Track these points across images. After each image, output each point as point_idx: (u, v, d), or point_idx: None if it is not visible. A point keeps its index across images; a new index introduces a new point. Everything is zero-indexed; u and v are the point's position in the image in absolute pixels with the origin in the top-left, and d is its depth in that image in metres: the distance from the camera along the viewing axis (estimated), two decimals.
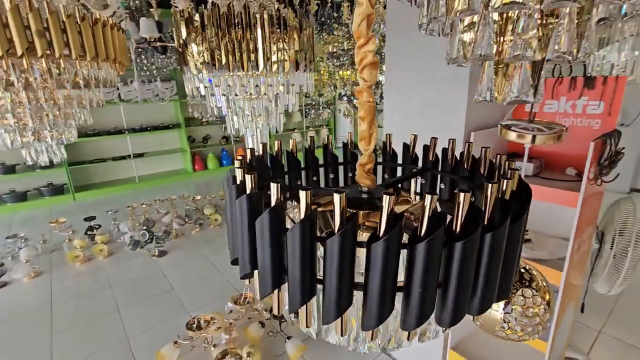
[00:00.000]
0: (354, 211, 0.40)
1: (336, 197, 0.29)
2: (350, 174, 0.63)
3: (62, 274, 3.13)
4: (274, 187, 0.32)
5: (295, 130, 7.47)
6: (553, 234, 1.59)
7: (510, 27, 0.65)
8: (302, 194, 0.30)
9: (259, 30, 1.20)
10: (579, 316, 2.29)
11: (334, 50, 3.04)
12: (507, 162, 0.40)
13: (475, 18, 0.65)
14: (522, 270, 0.75)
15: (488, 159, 0.48)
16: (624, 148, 1.33)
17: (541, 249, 1.43)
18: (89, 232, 3.71)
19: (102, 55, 0.95)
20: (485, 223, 0.31)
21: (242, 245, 0.36)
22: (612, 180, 1.29)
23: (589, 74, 1.47)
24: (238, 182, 0.38)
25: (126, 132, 5.61)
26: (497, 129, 1.48)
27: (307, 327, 0.35)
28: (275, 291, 0.36)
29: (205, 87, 1.29)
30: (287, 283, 0.33)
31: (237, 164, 0.40)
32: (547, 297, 0.73)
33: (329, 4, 3.96)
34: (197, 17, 1.21)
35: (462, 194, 0.29)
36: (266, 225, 0.32)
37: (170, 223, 3.91)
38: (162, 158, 6.17)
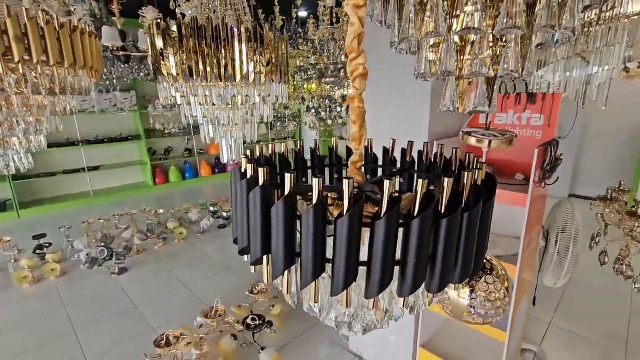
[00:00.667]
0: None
1: (345, 183, 0.34)
2: (336, 176, 0.69)
3: (8, 296, 2.86)
4: (288, 177, 0.36)
5: (261, 142, 7.47)
6: (507, 234, 1.75)
7: (468, 48, 0.76)
8: (315, 182, 0.35)
9: (236, 44, 1.25)
10: (531, 310, 2.49)
11: (302, 64, 3.14)
12: (475, 159, 0.48)
13: (439, 40, 0.75)
14: (484, 260, 0.85)
15: (459, 159, 0.56)
16: (562, 154, 1.53)
17: (497, 247, 1.57)
18: (38, 251, 3.43)
19: (80, 63, 0.95)
20: (464, 204, 0.38)
21: (254, 233, 0.40)
22: (553, 183, 1.46)
23: (530, 91, 1.68)
24: (249, 177, 0.42)
25: (80, 143, 5.29)
26: (454, 138, 1.62)
27: (315, 302, 0.39)
28: (286, 273, 0.40)
29: (182, 96, 1.30)
30: (298, 263, 0.38)
31: (244, 161, 0.45)
32: (506, 284, 0.83)
33: (294, 20, 4.09)
34: (174, 28, 1.23)
35: (446, 179, 0.36)
36: (281, 212, 0.37)
37: (131, 238, 3.72)
38: (119, 171, 5.87)
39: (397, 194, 0.36)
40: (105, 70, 3.73)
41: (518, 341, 1.91)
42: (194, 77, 1.28)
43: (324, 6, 3.28)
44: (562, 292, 2.78)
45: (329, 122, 3.17)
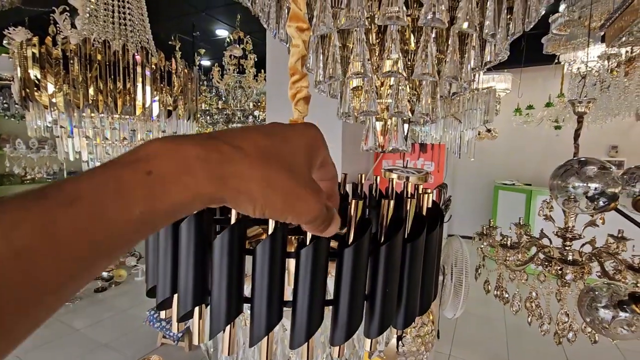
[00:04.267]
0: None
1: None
2: None
3: None
4: None
5: None
6: None
7: (387, 92, 0.82)
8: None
9: (138, 72, 1.12)
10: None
11: (207, 108, 3.04)
12: (417, 187, 0.48)
13: (362, 82, 0.80)
14: None
15: (394, 190, 0.57)
16: (451, 196, 1.75)
17: None
18: None
19: None
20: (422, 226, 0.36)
21: (185, 278, 0.31)
22: (448, 221, 1.65)
23: (421, 142, 1.93)
24: None
25: None
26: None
27: None
28: (227, 329, 0.31)
29: (61, 127, 1.07)
30: (249, 310, 0.30)
31: None
32: (432, 316, 0.85)
33: (197, 67, 4.03)
34: (58, 50, 1.05)
35: (409, 201, 0.34)
36: (227, 243, 0.29)
37: None
38: None
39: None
40: None
41: None
42: (81, 107, 1.08)
43: (230, 56, 3.33)
44: (455, 323, 3.06)
45: None
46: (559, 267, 1.43)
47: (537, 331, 1.42)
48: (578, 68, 2.45)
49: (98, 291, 3.49)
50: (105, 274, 3.65)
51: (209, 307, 0.31)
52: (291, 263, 0.30)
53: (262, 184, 0.21)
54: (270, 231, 0.29)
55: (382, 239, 0.32)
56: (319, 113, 1.49)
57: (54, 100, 1.08)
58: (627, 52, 2.03)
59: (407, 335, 0.81)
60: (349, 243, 0.30)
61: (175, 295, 0.32)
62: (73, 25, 1.79)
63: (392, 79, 0.72)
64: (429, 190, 0.44)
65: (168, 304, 0.34)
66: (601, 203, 1.04)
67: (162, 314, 0.36)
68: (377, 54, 0.76)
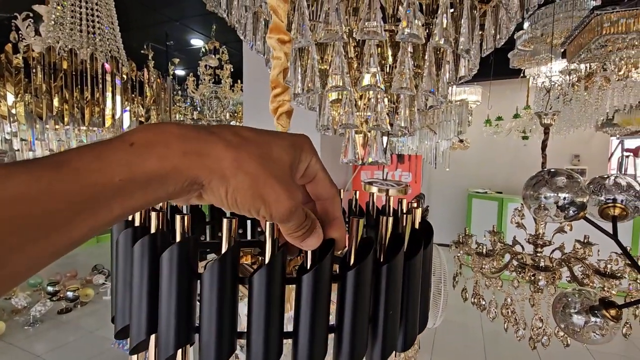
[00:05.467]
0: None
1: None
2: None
3: None
4: (226, 223, 0.27)
5: None
6: None
7: (362, 104, 0.82)
8: (268, 227, 0.27)
9: (108, 82, 1.07)
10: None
11: (181, 118, 2.96)
12: (401, 201, 0.47)
13: (341, 95, 0.80)
14: None
15: (375, 205, 0.56)
16: (428, 206, 1.78)
17: None
18: None
19: None
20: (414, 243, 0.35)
21: (167, 317, 0.27)
22: None
23: (399, 153, 1.96)
24: (154, 231, 0.30)
25: None
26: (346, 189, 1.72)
27: None
28: None
29: (22, 139, 0.99)
30: (244, 345, 0.27)
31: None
32: None
33: (171, 77, 3.94)
34: (19, 58, 0.98)
35: (405, 216, 0.32)
36: (216, 273, 0.26)
37: None
38: None
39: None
40: None
41: None
42: (44, 118, 1.01)
43: (206, 66, 3.28)
44: (434, 332, 3.08)
45: None
46: (531, 274, 1.47)
47: (513, 337, 1.45)
48: (542, 82, 2.59)
49: (62, 312, 3.25)
50: (70, 294, 3.42)
51: (192, 347, 0.28)
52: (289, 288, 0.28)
53: (234, 164, 0.22)
54: (267, 258, 0.26)
55: (382, 258, 0.30)
56: (297, 125, 1.48)
57: (13, 110, 1.00)
58: (586, 67, 2.17)
59: None
60: (351, 265, 0.28)
61: (153, 336, 0.29)
62: (37, 32, 1.69)
63: (371, 92, 0.72)
64: (415, 204, 0.44)
65: (144, 345, 0.30)
66: (571, 212, 1.08)
67: (135, 357, 0.33)
68: (355, 67, 0.76)
